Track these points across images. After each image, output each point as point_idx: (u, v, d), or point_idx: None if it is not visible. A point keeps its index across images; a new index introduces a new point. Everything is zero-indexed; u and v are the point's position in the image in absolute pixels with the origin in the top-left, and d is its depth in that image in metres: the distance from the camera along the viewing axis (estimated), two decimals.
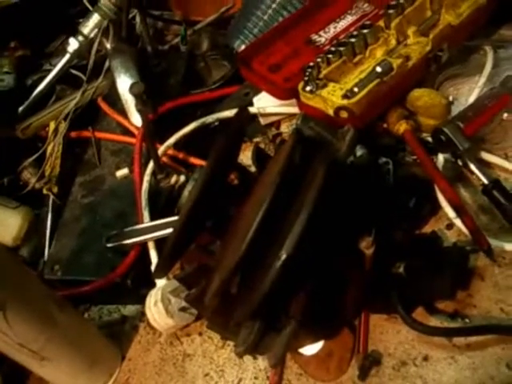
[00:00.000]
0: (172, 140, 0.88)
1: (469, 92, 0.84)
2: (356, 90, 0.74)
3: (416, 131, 0.79)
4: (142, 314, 0.81)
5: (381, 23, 0.82)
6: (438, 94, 0.79)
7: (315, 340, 0.69)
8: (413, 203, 0.74)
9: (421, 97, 0.78)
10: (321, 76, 0.77)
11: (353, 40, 0.79)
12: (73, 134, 0.98)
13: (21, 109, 1.01)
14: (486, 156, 0.78)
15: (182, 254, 0.64)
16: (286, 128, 0.90)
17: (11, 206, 0.90)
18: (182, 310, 0.76)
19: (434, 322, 0.69)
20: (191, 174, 0.75)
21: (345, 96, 0.74)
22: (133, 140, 0.91)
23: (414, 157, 0.78)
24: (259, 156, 0.76)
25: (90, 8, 1.02)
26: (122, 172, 0.89)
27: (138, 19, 1.06)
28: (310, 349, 0.71)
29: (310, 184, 0.56)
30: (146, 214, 0.82)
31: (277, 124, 0.92)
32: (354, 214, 0.66)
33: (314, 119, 0.67)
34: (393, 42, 0.80)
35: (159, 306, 0.74)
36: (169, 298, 0.75)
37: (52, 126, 0.96)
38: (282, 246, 0.53)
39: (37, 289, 0.70)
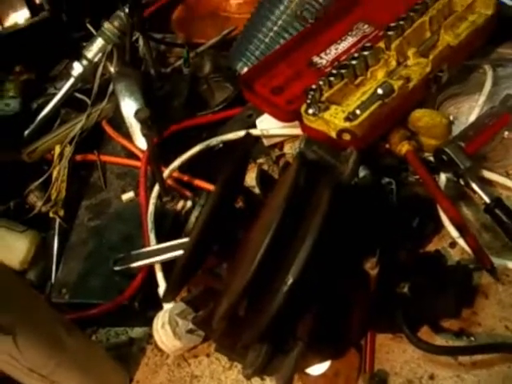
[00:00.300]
0: (177, 163, 0.89)
1: (469, 111, 0.85)
2: (358, 112, 0.75)
3: (418, 151, 0.80)
4: (150, 336, 0.81)
5: (381, 45, 0.83)
6: (438, 114, 0.80)
7: (322, 360, 0.70)
8: (416, 223, 0.75)
9: (422, 117, 0.79)
10: (323, 99, 0.78)
11: (354, 62, 0.80)
12: (78, 158, 0.99)
13: (26, 132, 1.02)
14: (487, 174, 0.79)
15: (191, 278, 0.64)
16: (289, 149, 0.91)
17: (18, 229, 0.90)
18: (190, 331, 0.76)
19: (440, 340, 0.69)
20: (197, 199, 0.76)
21: (347, 118, 0.75)
22: (138, 163, 0.92)
23: (417, 176, 0.79)
24: (263, 178, 0.77)
25: (94, 32, 1.03)
26: (128, 195, 0.89)
27: (140, 42, 1.07)
28: (317, 369, 0.71)
29: (315, 209, 0.57)
30: (152, 237, 0.83)
31: (280, 145, 0.92)
32: (358, 235, 0.67)
33: (317, 142, 0.68)
34: (393, 63, 0.82)
35: (166, 329, 0.75)
36: (176, 321, 0.76)
37: (57, 149, 0.97)
38: (289, 270, 0.54)
39: (45, 312, 0.70)
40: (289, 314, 0.57)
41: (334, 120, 0.76)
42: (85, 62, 1.01)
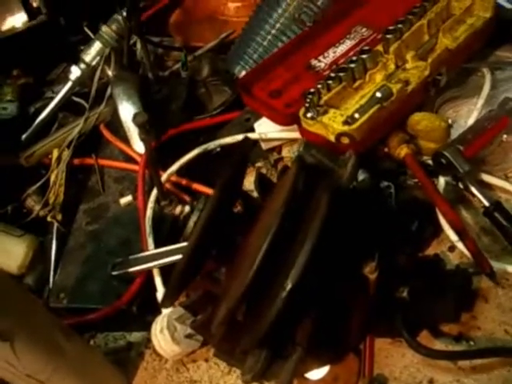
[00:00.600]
0: (175, 167, 0.89)
1: (468, 114, 0.85)
2: (357, 115, 0.75)
3: (417, 155, 0.79)
4: (148, 340, 0.80)
5: (379, 48, 0.83)
6: (437, 117, 0.80)
7: (321, 365, 0.70)
8: (415, 226, 0.75)
9: (421, 121, 0.79)
10: (321, 102, 0.78)
11: (352, 65, 0.80)
12: (76, 162, 0.99)
13: (24, 136, 1.02)
14: (486, 178, 0.79)
15: (189, 283, 0.64)
16: (287, 152, 0.90)
17: (16, 234, 0.90)
18: (188, 336, 0.76)
19: (439, 345, 0.69)
20: (196, 203, 0.76)
21: (346, 122, 0.75)
22: (136, 167, 0.92)
23: (416, 180, 0.79)
24: (261, 182, 0.76)
25: (92, 36, 1.03)
26: (126, 199, 0.89)
27: (138, 46, 1.07)
28: (316, 374, 0.71)
29: (314, 213, 0.57)
30: (150, 241, 0.83)
31: (278, 149, 0.92)
32: (357, 239, 0.66)
33: (315, 146, 0.68)
34: (392, 66, 0.82)
35: (165, 333, 0.75)
36: (174, 325, 0.75)
37: (55, 153, 0.97)
38: (288, 275, 0.54)
39: (43, 318, 0.70)
40: (288, 319, 0.57)
41: (332, 124, 0.75)
42: (82, 66, 1.01)
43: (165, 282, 0.80)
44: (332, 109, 0.78)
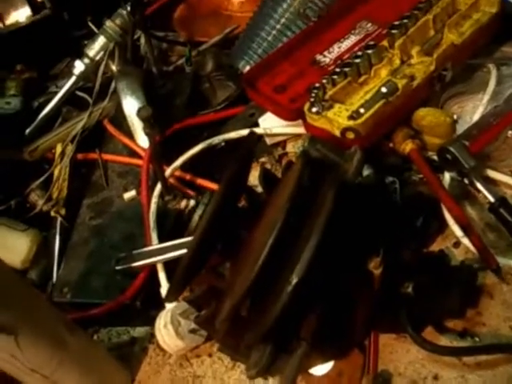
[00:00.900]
0: (179, 162, 0.89)
1: (473, 110, 0.84)
2: (362, 110, 0.75)
3: (422, 150, 0.79)
4: (152, 335, 0.81)
5: (385, 43, 0.83)
6: (442, 112, 0.79)
7: (325, 360, 0.70)
8: (420, 222, 0.74)
9: (426, 116, 0.78)
10: (326, 97, 0.78)
11: (357, 60, 0.80)
12: (79, 156, 0.99)
13: (28, 131, 1.02)
14: (491, 173, 0.79)
15: (194, 278, 0.64)
16: (291, 148, 0.90)
17: (19, 228, 0.90)
18: (192, 331, 0.76)
19: (444, 340, 0.69)
20: (201, 198, 0.76)
21: (351, 117, 0.75)
22: (140, 162, 0.91)
23: (421, 176, 0.79)
24: (266, 177, 0.76)
25: (96, 30, 1.03)
26: (130, 194, 0.89)
27: (142, 41, 1.06)
28: (321, 369, 0.71)
29: (319, 208, 0.57)
30: (154, 236, 0.83)
31: (283, 144, 0.92)
32: (362, 235, 0.66)
33: (320, 141, 0.68)
34: (397, 61, 0.81)
35: (169, 328, 0.74)
36: (178, 320, 0.75)
37: (59, 148, 0.97)
38: (293, 270, 0.54)
39: (47, 312, 0.70)
40: (293, 313, 0.56)
41: (337, 118, 0.75)
42: (86, 61, 1.01)
43: (169, 277, 0.79)
44: (337, 104, 0.77)
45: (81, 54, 1.02)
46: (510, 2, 0.88)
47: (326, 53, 0.90)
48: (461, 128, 0.80)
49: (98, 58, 1.01)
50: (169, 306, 0.77)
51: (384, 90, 0.76)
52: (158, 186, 0.87)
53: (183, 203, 0.80)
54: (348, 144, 0.73)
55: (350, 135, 0.74)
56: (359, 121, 0.74)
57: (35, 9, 1.08)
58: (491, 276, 0.71)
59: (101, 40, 1.00)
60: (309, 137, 0.69)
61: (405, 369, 0.69)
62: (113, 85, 0.99)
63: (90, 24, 1.03)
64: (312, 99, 0.77)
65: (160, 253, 0.80)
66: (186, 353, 0.79)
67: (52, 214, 0.92)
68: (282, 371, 0.60)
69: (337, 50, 0.90)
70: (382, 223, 0.69)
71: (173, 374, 0.78)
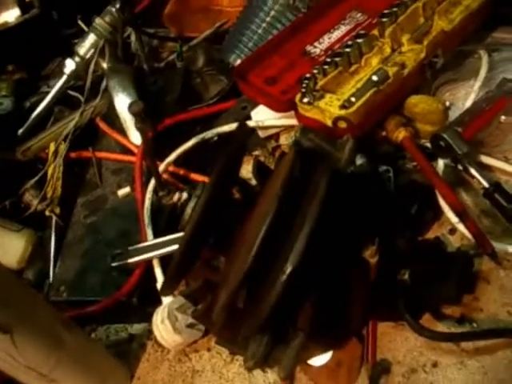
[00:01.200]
0: (172, 157, 0.89)
1: (465, 96, 0.84)
2: (353, 99, 0.75)
3: (415, 138, 0.79)
4: (150, 331, 0.80)
5: (375, 32, 0.82)
6: (434, 100, 0.79)
7: (324, 351, 0.70)
8: (415, 210, 0.74)
9: (418, 103, 0.78)
10: (318, 87, 0.78)
11: (348, 50, 0.80)
12: (73, 155, 0.98)
13: (20, 131, 1.02)
14: (485, 159, 0.78)
15: (188, 271, 0.64)
16: (285, 140, 0.90)
17: (14, 228, 0.90)
18: (190, 326, 0.76)
19: (442, 327, 0.69)
20: (193, 190, 0.76)
21: (342, 106, 0.75)
22: (133, 158, 0.91)
23: (414, 163, 0.79)
24: (259, 169, 0.76)
25: (86, 29, 1.03)
26: (124, 191, 0.89)
27: (133, 38, 1.06)
28: (319, 360, 0.71)
29: (312, 197, 0.56)
30: (149, 232, 0.83)
31: (276, 136, 0.92)
32: (357, 223, 0.66)
33: (312, 131, 0.68)
34: (387, 50, 0.81)
35: (166, 324, 0.74)
36: (175, 315, 0.75)
37: (52, 147, 0.97)
38: (287, 259, 0.54)
39: (43, 311, 0.70)
40: (288, 303, 0.56)
41: (329, 108, 0.75)
42: (77, 59, 1.01)
43: (165, 273, 0.79)
44: (328, 93, 0.77)
45: (71, 53, 1.02)
46: None
47: (316, 44, 0.89)
48: (453, 115, 0.80)
49: (88, 56, 1.01)
50: (165, 301, 0.77)
51: (375, 78, 0.75)
52: (152, 182, 0.86)
53: (176, 196, 0.80)
54: (340, 133, 0.73)
55: (342, 124, 0.74)
56: (351, 110, 0.74)
57: (24, 9, 1.07)
58: (488, 262, 0.71)
59: (91, 38, 1.00)
60: (301, 127, 0.69)
61: (403, 357, 0.69)
62: (104, 83, 0.99)
63: (80, 22, 1.03)
64: (303, 90, 0.77)
65: (155, 248, 0.80)
66: (185, 348, 0.78)
67: (47, 213, 0.92)
68: (279, 361, 0.60)
69: (327, 40, 0.89)
70: (377, 212, 0.69)
71: (172, 370, 0.78)
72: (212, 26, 1.09)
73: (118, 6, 0.97)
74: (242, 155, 0.67)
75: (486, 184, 0.73)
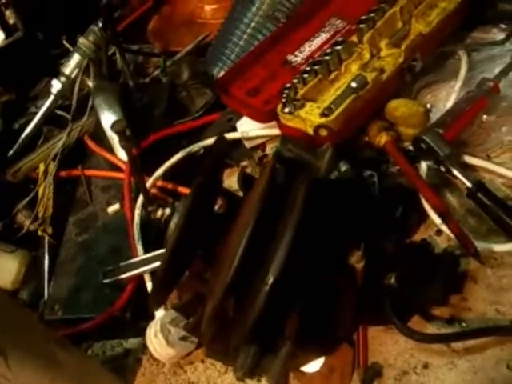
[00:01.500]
0: (160, 172, 0.90)
1: (446, 97, 0.85)
2: (333, 107, 0.75)
3: (397, 141, 0.80)
4: (145, 346, 0.81)
5: (354, 38, 0.83)
6: (414, 103, 0.80)
7: (315, 357, 0.70)
8: (399, 213, 0.75)
9: (398, 107, 0.79)
10: (298, 96, 0.78)
11: (327, 58, 0.81)
12: (63, 174, 0.99)
13: (10, 153, 1.03)
14: (469, 159, 0.79)
15: (174, 285, 0.64)
16: (270, 149, 0.91)
17: (8, 250, 0.91)
18: (183, 339, 0.76)
19: (432, 329, 0.69)
20: (175, 206, 0.76)
21: (322, 114, 0.75)
22: (121, 175, 0.92)
23: (398, 167, 0.79)
24: (245, 180, 0.77)
25: (71, 48, 1.04)
26: (114, 208, 0.90)
27: (118, 55, 1.07)
28: (312, 366, 0.71)
29: (291, 206, 0.57)
30: (139, 248, 0.83)
31: (262, 146, 0.92)
32: (342, 230, 0.67)
33: (291, 141, 0.68)
34: (367, 55, 0.82)
35: (159, 337, 0.75)
36: (168, 329, 0.76)
37: (41, 167, 0.98)
38: (269, 269, 0.54)
39: (37, 331, 0.70)
40: (274, 313, 0.57)
41: (309, 117, 0.76)
42: (63, 79, 1.02)
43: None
44: (309, 102, 0.78)
45: (58, 73, 1.03)
46: None
47: (297, 52, 0.90)
48: (435, 116, 0.81)
49: (74, 75, 1.01)
50: (158, 315, 0.78)
51: (354, 84, 0.76)
52: (141, 198, 0.87)
53: (159, 212, 0.81)
54: (322, 141, 0.74)
55: (323, 132, 0.75)
56: (331, 117, 0.75)
57: (8, 32, 1.08)
58: (475, 261, 0.71)
59: (76, 57, 1.01)
60: (281, 137, 0.70)
61: (394, 360, 0.69)
62: (91, 101, 1.00)
63: (65, 42, 1.04)
64: (284, 100, 0.78)
65: (146, 263, 0.80)
66: (179, 360, 0.79)
67: (39, 233, 0.93)
68: (268, 371, 0.60)
69: (308, 48, 0.90)
70: (362, 217, 0.70)
71: (167, 383, 0.79)
72: (196, 39, 1.10)
73: (100, 25, 0.98)
74: (222, 168, 0.68)
75: (468, 184, 0.73)
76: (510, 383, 0.63)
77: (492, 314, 0.68)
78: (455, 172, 0.75)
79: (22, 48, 1.11)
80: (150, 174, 0.90)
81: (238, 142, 0.92)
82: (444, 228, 0.73)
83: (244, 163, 0.92)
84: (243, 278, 0.57)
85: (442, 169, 0.76)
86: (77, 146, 1.02)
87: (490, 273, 0.71)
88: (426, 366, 0.68)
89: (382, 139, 0.78)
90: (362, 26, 0.82)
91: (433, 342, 0.68)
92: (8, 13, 1.05)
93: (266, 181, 0.59)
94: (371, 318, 0.71)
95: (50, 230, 0.93)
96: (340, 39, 0.83)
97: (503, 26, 0.90)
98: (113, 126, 0.79)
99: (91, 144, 0.99)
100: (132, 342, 0.84)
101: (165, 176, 0.91)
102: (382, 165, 0.81)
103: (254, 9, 0.96)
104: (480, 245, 0.70)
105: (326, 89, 0.80)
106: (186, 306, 0.71)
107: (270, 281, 0.54)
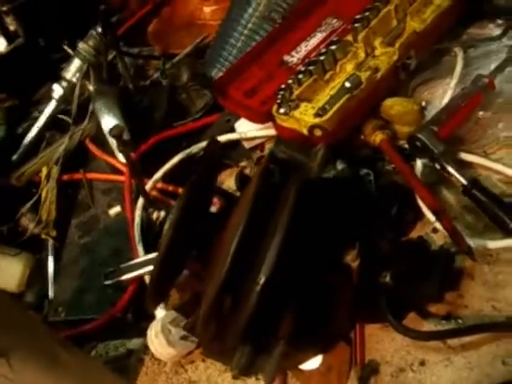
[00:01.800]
0: (159, 174, 0.91)
1: (443, 95, 0.85)
2: (327, 107, 0.76)
3: (393, 139, 0.80)
4: (146, 346, 0.82)
5: (349, 37, 0.84)
6: (409, 101, 0.80)
7: (312, 356, 0.71)
8: (395, 211, 0.75)
9: (393, 106, 0.79)
10: (293, 97, 0.79)
11: (322, 58, 0.81)
12: (65, 177, 1.01)
13: (14, 158, 1.04)
14: (465, 156, 0.79)
15: (169, 287, 0.65)
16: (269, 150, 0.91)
17: (12, 253, 0.92)
18: (183, 338, 0.77)
19: (428, 326, 0.69)
20: (170, 208, 0.77)
21: (317, 114, 0.76)
22: (122, 178, 0.93)
23: (393, 165, 0.80)
24: (243, 181, 0.78)
25: (71, 53, 1.05)
26: (115, 210, 0.91)
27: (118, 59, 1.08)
28: (310, 364, 0.72)
29: (282, 206, 0.58)
30: (140, 249, 0.85)
31: (261, 146, 0.93)
32: (337, 229, 0.67)
33: (285, 142, 0.69)
34: (362, 54, 0.82)
35: (160, 338, 0.76)
36: (169, 329, 0.77)
37: (44, 171, 0.99)
38: (260, 269, 0.55)
39: (40, 333, 0.71)
40: (267, 312, 0.58)
41: (304, 117, 0.76)
42: (64, 84, 1.03)
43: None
44: (304, 102, 0.78)
45: (58, 78, 1.04)
46: None
47: (293, 53, 0.90)
48: (431, 114, 0.81)
49: (74, 79, 1.03)
50: (159, 315, 0.79)
51: (348, 84, 0.77)
52: (141, 200, 0.88)
53: (155, 215, 0.82)
54: (317, 141, 0.74)
55: (318, 132, 0.75)
56: (325, 117, 0.75)
57: (9, 38, 1.10)
58: None
59: (76, 62, 1.02)
60: (275, 138, 0.71)
61: (391, 357, 0.70)
62: (91, 105, 1.01)
63: (66, 47, 1.05)
64: (279, 100, 0.79)
65: (146, 264, 0.81)
66: (180, 359, 0.80)
67: (43, 236, 0.94)
68: (263, 370, 0.61)
69: (304, 48, 0.90)
70: (358, 216, 0.70)
71: (169, 382, 0.80)
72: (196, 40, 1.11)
73: (99, 29, 0.99)
74: (215, 168, 0.69)
75: (464, 181, 0.73)
76: (506, 379, 0.64)
77: (488, 310, 0.69)
78: (450, 169, 0.75)
79: (23, 54, 1.13)
80: (151, 176, 0.91)
81: (236, 143, 0.93)
82: (438, 225, 0.73)
83: (243, 163, 0.92)
84: (237, 277, 0.58)
85: (437, 166, 0.76)
86: (78, 149, 1.03)
87: (486, 269, 0.71)
88: (422, 363, 0.68)
89: (377, 138, 0.78)
90: (356, 25, 0.83)
91: (428, 339, 0.68)
92: (9, 20, 1.07)
93: (257, 181, 0.59)
94: (368, 316, 0.72)
95: (53, 233, 0.94)
96: (335, 39, 0.83)
97: (500, 21, 0.90)
98: (110, 131, 0.80)
99: (92, 147, 1.01)
100: (135, 343, 0.85)
101: (165, 178, 0.91)
102: (378, 163, 0.81)
103: (250, 10, 0.97)
104: (476, 241, 0.70)
105: (321, 89, 0.80)
106: (184, 305, 0.72)
107: (262, 281, 0.55)
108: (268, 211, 0.60)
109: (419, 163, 0.78)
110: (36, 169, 1.00)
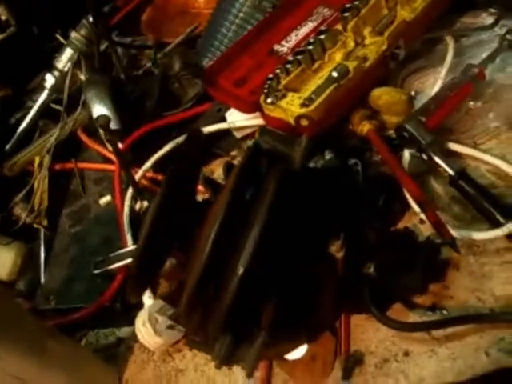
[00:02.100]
0: (149, 163, 0.91)
1: (434, 84, 0.84)
2: (314, 97, 0.75)
3: (382, 129, 0.79)
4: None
5: (338, 27, 0.83)
6: (398, 91, 0.80)
7: (297, 346, 0.71)
8: (382, 201, 0.75)
9: (381, 95, 0.78)
10: (280, 87, 0.79)
11: (310, 47, 0.80)
12: (57, 167, 1.01)
13: (7, 147, 1.05)
14: (455, 146, 0.78)
15: (151, 279, 0.65)
16: None
17: (3, 242, 0.93)
18: (170, 327, 0.77)
19: (413, 317, 0.69)
20: (153, 199, 0.77)
21: (303, 104, 0.75)
22: (112, 167, 0.94)
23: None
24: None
25: (64, 42, 1.05)
26: (105, 199, 0.92)
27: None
28: (295, 354, 0.72)
29: (262, 197, 0.58)
30: (129, 238, 0.85)
31: (251, 136, 0.92)
32: (323, 219, 0.67)
33: (269, 132, 0.69)
34: (351, 44, 0.82)
35: (147, 326, 0.76)
36: (156, 318, 0.77)
37: (37, 160, 1.00)
38: (239, 261, 0.55)
39: (26, 321, 0.72)
40: (248, 303, 0.58)
41: (290, 107, 0.76)
42: (56, 73, 1.03)
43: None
44: (290, 92, 0.78)
45: (50, 67, 1.04)
46: None
47: (283, 42, 0.90)
48: (421, 103, 0.80)
49: (66, 69, 1.03)
50: (146, 304, 0.79)
51: (335, 74, 0.76)
52: (131, 190, 0.89)
53: (137, 205, 0.82)
54: (303, 131, 0.74)
55: (304, 122, 0.75)
56: (311, 107, 0.75)
57: (1, 27, 1.10)
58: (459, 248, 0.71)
59: (68, 52, 1.02)
60: (260, 129, 0.70)
61: (376, 347, 0.70)
62: (83, 95, 1.01)
63: (59, 37, 1.05)
64: (266, 90, 0.78)
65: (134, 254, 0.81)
66: (168, 348, 0.80)
67: (35, 225, 0.95)
68: (244, 360, 0.61)
69: (294, 38, 0.90)
70: (345, 206, 0.70)
71: (157, 370, 0.80)
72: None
73: (90, 19, 0.99)
74: (198, 158, 0.68)
75: (451, 172, 0.73)
76: (489, 370, 0.64)
77: (473, 301, 0.68)
78: (437, 160, 0.74)
79: (16, 43, 1.13)
80: (141, 166, 0.91)
81: (227, 133, 0.92)
82: (422, 216, 0.73)
83: (233, 153, 0.92)
84: (219, 266, 0.58)
85: (424, 157, 0.76)
86: (71, 139, 1.03)
87: (472, 260, 0.71)
88: (406, 354, 0.68)
89: (365, 128, 0.78)
90: (346, 14, 0.82)
91: (411, 330, 0.68)
92: (0, 9, 1.07)
93: (238, 171, 0.59)
94: (352, 306, 0.72)
95: (45, 222, 0.95)
96: (323, 28, 0.82)
97: (492, 10, 0.89)
98: (96, 121, 0.80)
99: (84, 137, 1.01)
100: (124, 331, 0.86)
101: (155, 167, 0.92)
102: (366, 153, 0.81)
103: None
104: (463, 232, 0.70)
105: (309, 78, 0.80)
106: (171, 295, 0.72)
107: (240, 271, 0.55)
108: (252, 201, 0.60)
109: (407, 153, 0.78)
110: (28, 158, 1.01)
